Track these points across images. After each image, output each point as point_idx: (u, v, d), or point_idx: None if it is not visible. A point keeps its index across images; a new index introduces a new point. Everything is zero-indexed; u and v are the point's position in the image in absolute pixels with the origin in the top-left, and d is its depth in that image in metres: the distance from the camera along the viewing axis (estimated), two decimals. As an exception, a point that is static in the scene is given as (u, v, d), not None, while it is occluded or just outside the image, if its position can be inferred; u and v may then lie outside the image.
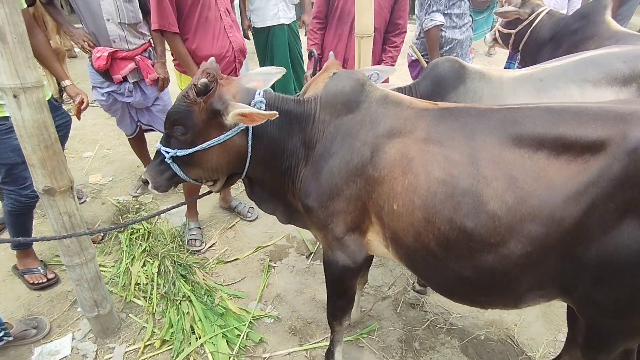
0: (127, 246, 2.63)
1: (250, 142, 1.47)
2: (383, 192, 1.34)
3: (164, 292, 2.32)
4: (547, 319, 2.23)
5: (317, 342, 2.10)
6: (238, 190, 3.33)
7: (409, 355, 2.05)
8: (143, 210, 3.05)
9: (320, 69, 2.69)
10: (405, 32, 2.96)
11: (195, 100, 1.38)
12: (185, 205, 2.92)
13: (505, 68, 4.09)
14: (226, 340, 2.07)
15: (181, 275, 2.42)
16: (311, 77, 2.70)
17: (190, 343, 2.05)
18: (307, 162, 1.51)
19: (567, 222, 1.08)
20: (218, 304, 2.28)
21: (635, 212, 1.01)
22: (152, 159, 1.61)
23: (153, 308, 2.25)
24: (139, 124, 2.93)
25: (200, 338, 2.07)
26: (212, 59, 1.48)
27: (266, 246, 2.79)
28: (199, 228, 2.84)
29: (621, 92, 1.75)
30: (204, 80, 1.35)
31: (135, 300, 2.32)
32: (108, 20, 2.45)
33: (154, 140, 3.46)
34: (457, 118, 1.27)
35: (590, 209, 1.05)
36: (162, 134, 1.60)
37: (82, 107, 2.37)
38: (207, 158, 1.48)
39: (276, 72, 1.63)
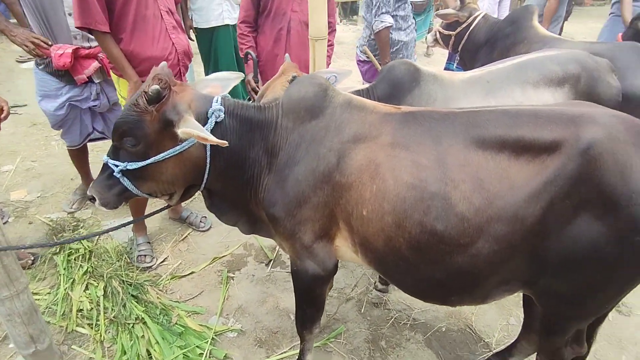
0: (64, 269, 2.37)
1: (208, 153, 1.38)
2: (351, 198, 1.33)
3: (113, 317, 2.12)
4: (500, 305, 2.38)
5: (285, 352, 2.05)
6: (188, 199, 3.15)
7: (376, 355, 2.07)
8: (82, 228, 2.77)
9: (260, 72, 2.61)
10: (335, 30, 2.99)
11: (147, 108, 1.27)
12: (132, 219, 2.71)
13: (445, 69, 4.30)
14: (188, 362, 1.95)
15: (132, 295, 2.23)
16: (253, 80, 2.63)
17: (147, 369, 1.90)
18: (270, 170, 1.45)
19: (529, 220, 1.14)
20: (176, 323, 2.13)
21: (588, 208, 1.10)
22: (89, 172, 1.45)
23: (101, 335, 2.05)
24: (92, 132, 2.67)
25: (158, 362, 1.92)
26: (163, 63, 1.37)
27: (222, 257, 2.67)
28: (149, 243, 2.64)
29: (556, 92, 1.90)
30: (156, 87, 1.24)
31: (79, 329, 2.10)
32: (70, 14, 2.22)
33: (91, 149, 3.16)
34: (421, 122, 1.29)
35: (549, 207, 1.12)
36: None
37: (3, 116, 2.08)
38: (161, 171, 1.38)
39: (235, 77, 1.55)
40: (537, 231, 1.14)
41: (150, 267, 2.53)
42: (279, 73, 1.73)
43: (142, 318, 2.10)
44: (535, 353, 1.65)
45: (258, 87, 2.64)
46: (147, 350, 1.97)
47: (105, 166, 1.39)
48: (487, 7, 4.05)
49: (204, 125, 1.31)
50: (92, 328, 2.09)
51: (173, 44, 2.23)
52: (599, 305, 1.28)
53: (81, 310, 2.18)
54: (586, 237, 1.11)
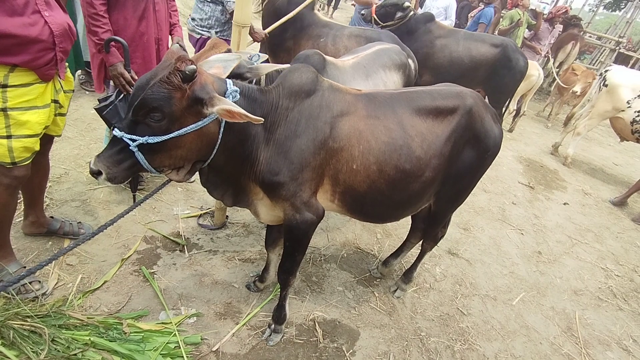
0: None
1: (222, 130, 1.51)
2: (342, 157, 1.75)
3: (45, 356, 1.73)
4: (368, 230, 3.31)
5: (250, 313, 2.27)
6: (55, 208, 2.52)
7: (314, 288, 2.59)
8: None
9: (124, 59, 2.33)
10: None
11: (180, 86, 1.32)
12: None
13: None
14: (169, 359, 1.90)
15: (57, 326, 1.84)
16: (126, 70, 2.35)
17: (130, 384, 1.75)
18: (268, 145, 1.66)
19: (446, 154, 1.92)
20: (130, 333, 1.95)
21: (469, 142, 1.97)
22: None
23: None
24: None
25: (139, 373, 1.79)
26: (176, 45, 1.35)
27: (129, 256, 2.43)
28: (25, 267, 2.09)
29: (398, 74, 2.81)
30: (193, 67, 1.31)
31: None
32: None
33: None
34: (380, 100, 1.83)
35: (454, 145, 1.93)
36: None
37: None
38: (179, 145, 1.45)
39: (233, 59, 1.60)
40: (449, 160, 1.94)
41: (44, 293, 2.05)
42: (208, 47, 1.77)
43: (92, 342, 1.82)
44: (418, 246, 2.61)
45: (133, 77, 2.42)
46: (119, 368, 1.78)
47: (116, 140, 1.39)
48: None
49: None
50: (17, 382, 1.65)
51: (46, 22, 1.78)
52: (464, 199, 2.26)
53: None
54: (468, 159, 2.00)
